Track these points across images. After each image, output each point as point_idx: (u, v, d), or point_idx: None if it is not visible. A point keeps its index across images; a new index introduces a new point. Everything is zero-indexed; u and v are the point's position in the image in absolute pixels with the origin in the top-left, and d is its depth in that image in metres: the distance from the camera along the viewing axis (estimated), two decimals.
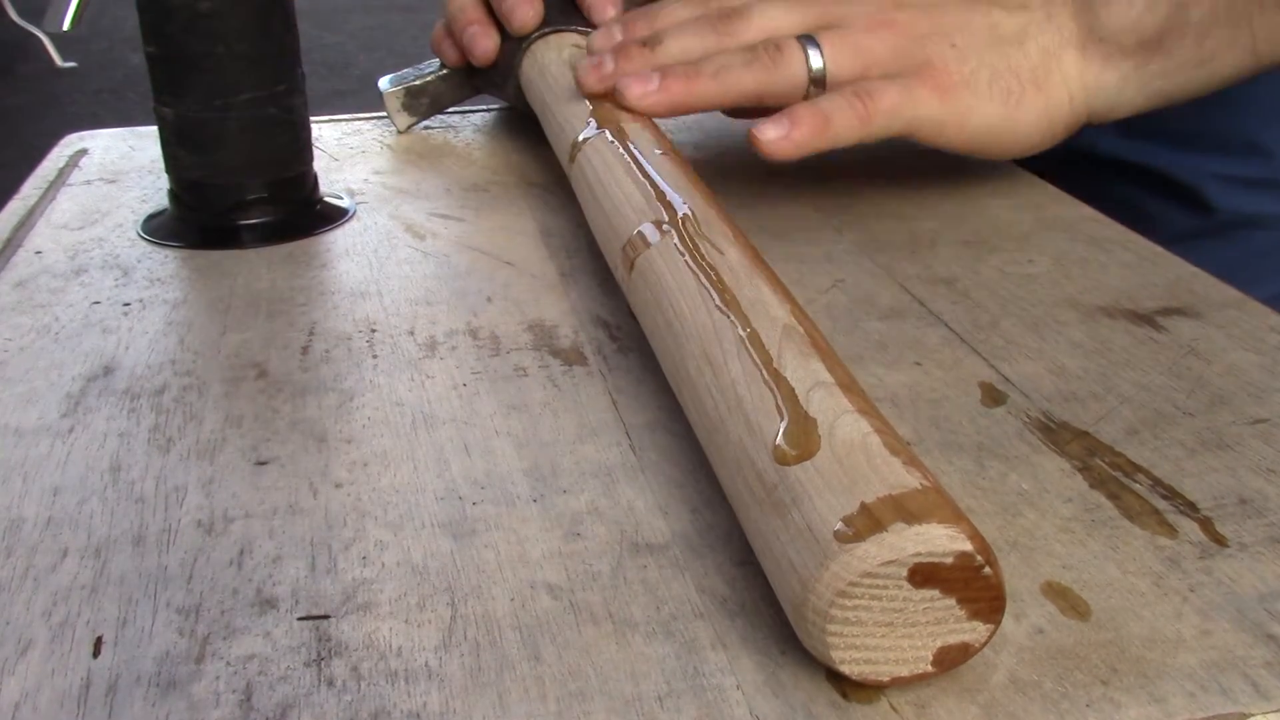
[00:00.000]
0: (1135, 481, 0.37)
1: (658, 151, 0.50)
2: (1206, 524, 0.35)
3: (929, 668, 0.28)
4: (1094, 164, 0.75)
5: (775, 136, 0.51)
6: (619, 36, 0.58)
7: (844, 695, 0.29)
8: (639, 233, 0.44)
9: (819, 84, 0.53)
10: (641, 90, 0.53)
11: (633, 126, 0.53)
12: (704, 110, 0.55)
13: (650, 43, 0.56)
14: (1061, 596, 0.32)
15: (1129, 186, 0.74)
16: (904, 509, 0.27)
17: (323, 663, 0.30)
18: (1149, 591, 0.32)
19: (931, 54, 0.54)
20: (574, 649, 0.30)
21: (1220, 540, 0.34)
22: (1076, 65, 0.56)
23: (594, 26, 0.66)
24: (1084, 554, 0.33)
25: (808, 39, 0.54)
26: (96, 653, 0.30)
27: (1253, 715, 0.28)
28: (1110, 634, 0.30)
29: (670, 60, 0.55)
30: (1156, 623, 0.31)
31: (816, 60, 0.54)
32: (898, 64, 0.54)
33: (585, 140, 0.54)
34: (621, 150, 0.51)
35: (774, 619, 0.31)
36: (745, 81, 0.53)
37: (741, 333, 0.36)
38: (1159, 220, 0.73)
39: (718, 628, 0.31)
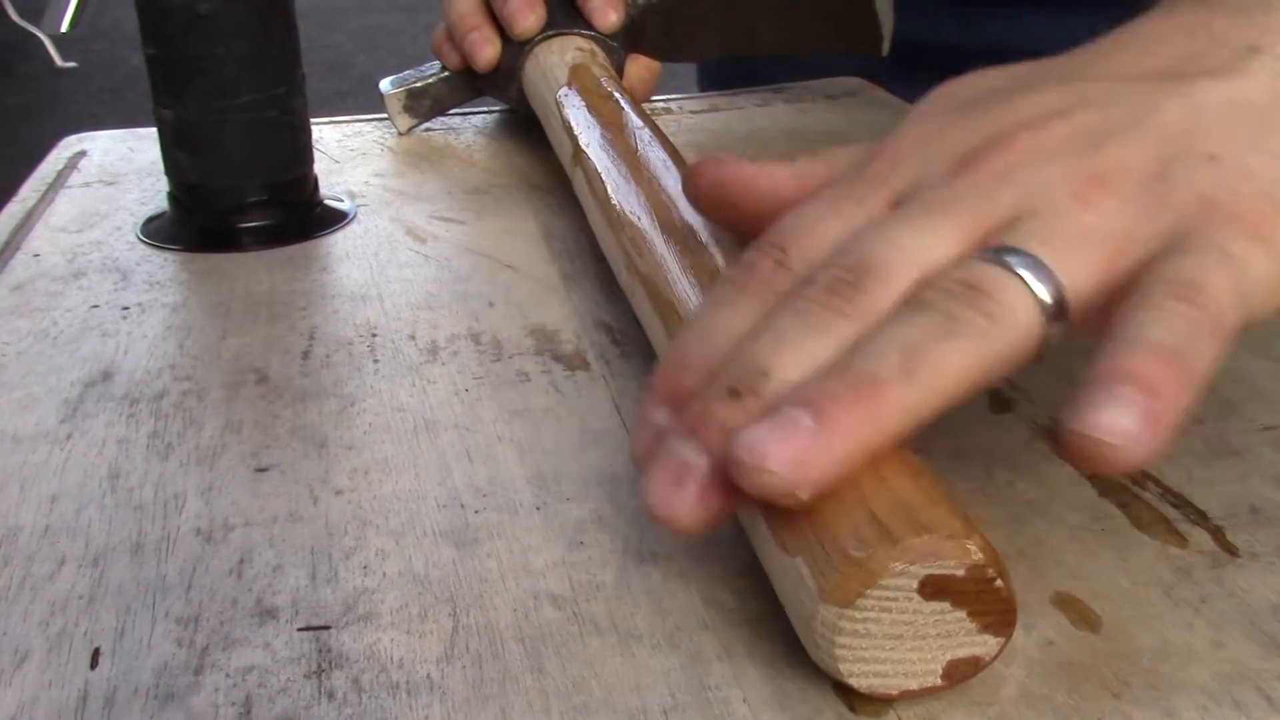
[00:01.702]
0: (1145, 490, 0.36)
1: (662, 154, 0.50)
2: (1217, 533, 0.34)
3: (939, 681, 0.28)
4: None
5: (1132, 427, 0.27)
6: (661, 421, 0.32)
7: (851, 708, 0.28)
8: (643, 236, 0.44)
9: (1059, 319, 0.30)
10: (792, 454, 0.28)
11: (636, 128, 0.53)
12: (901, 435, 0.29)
13: (746, 386, 0.30)
14: (1071, 607, 0.31)
15: None
16: (915, 521, 0.27)
17: (323, 674, 0.29)
18: (1160, 602, 0.32)
19: (1201, 184, 0.31)
20: (578, 661, 0.30)
21: (1231, 550, 0.34)
22: None
23: (597, 29, 0.66)
24: (1094, 564, 0.33)
25: (1004, 255, 0.30)
26: (94, 664, 0.30)
27: None
28: (1121, 645, 0.30)
29: (801, 388, 0.29)
30: (1168, 634, 0.30)
31: (1042, 284, 0.30)
32: (1163, 224, 0.31)
33: (588, 144, 0.53)
34: (624, 153, 0.51)
35: (780, 630, 0.31)
36: (956, 364, 0.29)
37: None
38: None
39: (723, 639, 0.30)
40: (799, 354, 0.30)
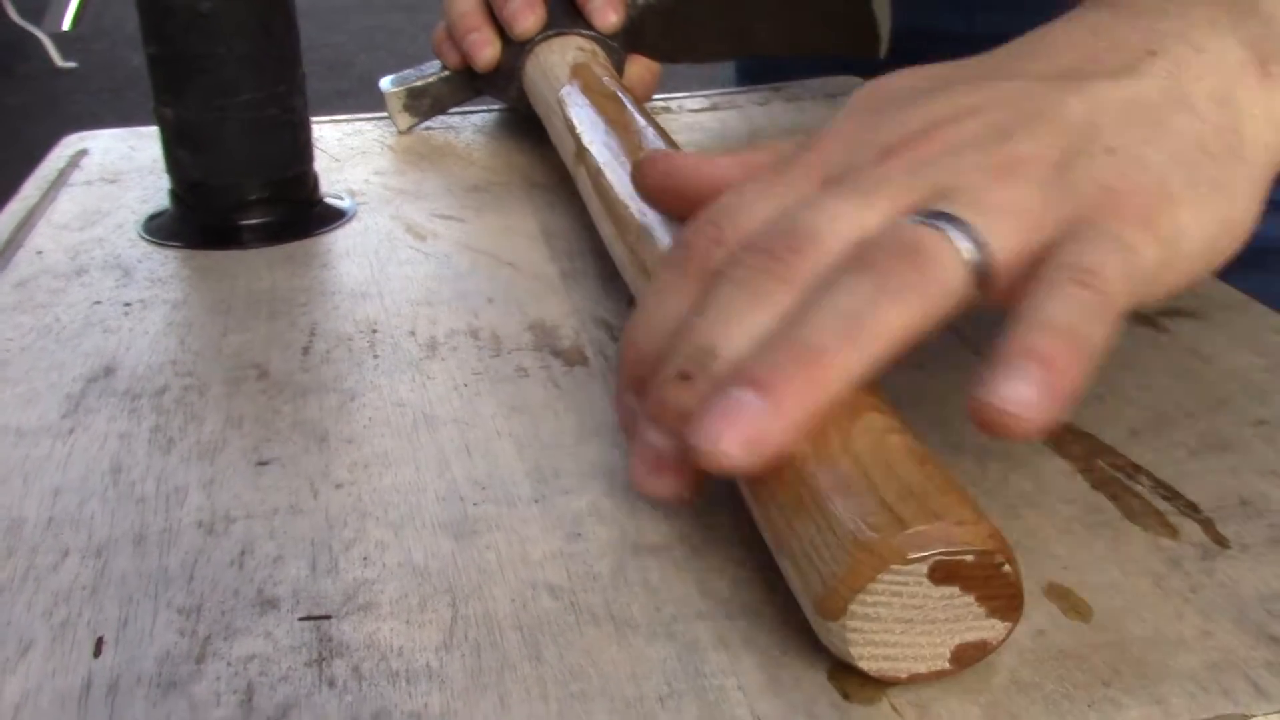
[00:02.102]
0: (1137, 483, 0.37)
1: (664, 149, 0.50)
2: (1208, 525, 0.35)
3: (947, 665, 0.28)
4: None
5: (1031, 397, 0.29)
6: (633, 405, 0.35)
7: (845, 696, 0.29)
8: (648, 233, 0.44)
9: (983, 281, 0.33)
10: (739, 429, 0.30)
11: (639, 127, 0.53)
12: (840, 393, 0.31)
13: (695, 367, 0.32)
14: (1063, 598, 0.32)
15: None
16: (926, 507, 0.28)
17: (324, 663, 0.30)
18: (1150, 592, 0.32)
19: (1100, 174, 0.34)
20: (575, 650, 0.30)
21: (1222, 541, 0.34)
22: (1260, 98, 0.37)
23: (597, 29, 0.66)
24: (1085, 555, 0.33)
25: (934, 218, 0.33)
26: (97, 653, 0.30)
27: (1254, 716, 0.28)
28: (1111, 635, 0.30)
29: (747, 364, 0.31)
30: (1158, 624, 0.31)
31: (966, 244, 0.32)
32: (1066, 210, 0.34)
33: (591, 142, 0.54)
34: (628, 151, 0.51)
35: (775, 620, 0.31)
36: (892, 323, 0.31)
37: None
38: None
39: (719, 628, 0.31)
40: (743, 327, 0.32)
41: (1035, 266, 0.32)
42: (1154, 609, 0.31)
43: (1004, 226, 0.33)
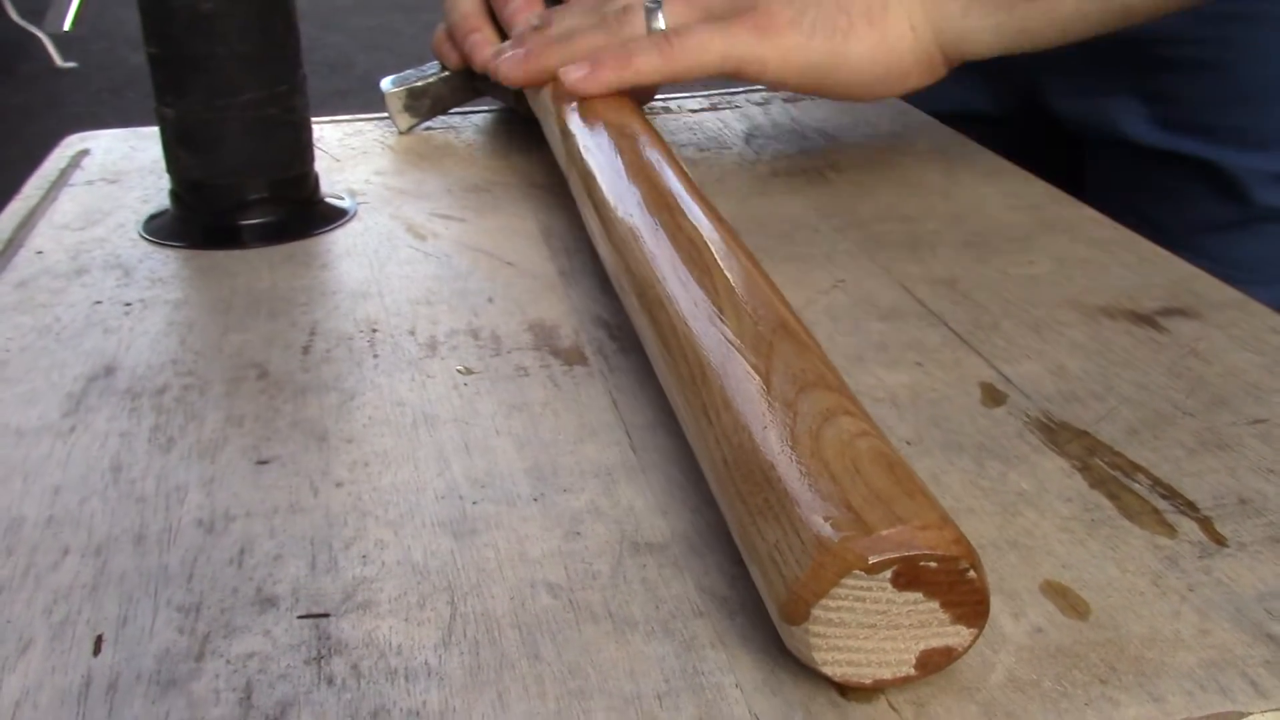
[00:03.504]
0: (1135, 481, 0.37)
1: (657, 155, 0.50)
2: (1206, 524, 0.35)
3: (912, 670, 0.28)
4: (1133, 151, 0.74)
5: (580, 76, 0.57)
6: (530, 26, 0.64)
7: (843, 694, 0.29)
8: (635, 235, 0.44)
9: (662, 37, 0.58)
10: (504, 58, 0.62)
11: (632, 130, 0.54)
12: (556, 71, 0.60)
13: (540, 28, 0.63)
14: (1061, 596, 0.32)
15: (1166, 174, 0.74)
16: (890, 512, 0.27)
17: (323, 661, 0.30)
18: (1148, 591, 0.32)
19: (759, 1, 0.58)
20: (573, 647, 0.30)
21: (1219, 540, 0.34)
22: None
23: None
24: (1083, 553, 0.33)
25: (654, 2, 0.59)
26: (97, 651, 0.30)
27: (1251, 714, 0.28)
28: (1109, 633, 0.30)
29: (550, 38, 0.61)
30: (1155, 622, 0.31)
31: (656, 18, 0.59)
32: (725, 12, 0.58)
33: (584, 144, 0.54)
34: (619, 153, 0.51)
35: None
36: (591, 43, 0.59)
37: (731, 332, 0.36)
38: (1193, 209, 0.73)
39: (717, 627, 0.31)
40: (566, 22, 0.62)
41: None
42: (1152, 607, 0.31)
43: (683, 12, 0.59)
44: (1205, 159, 0.72)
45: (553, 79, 0.60)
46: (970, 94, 0.80)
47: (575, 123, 0.56)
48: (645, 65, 0.57)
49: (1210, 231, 0.71)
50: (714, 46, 0.56)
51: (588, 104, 0.58)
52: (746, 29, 0.56)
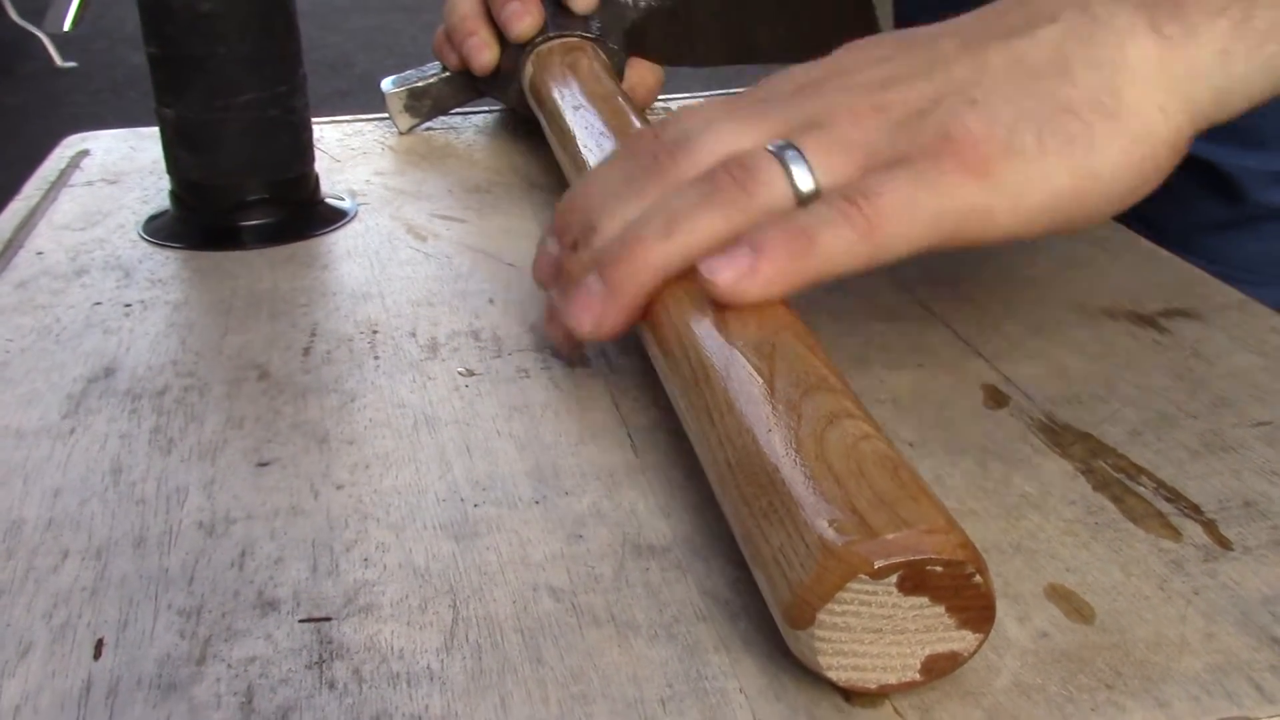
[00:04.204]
0: (1139, 484, 0.37)
1: None
2: (1210, 527, 0.35)
3: (917, 676, 0.28)
4: None
5: (734, 276, 0.36)
6: (555, 251, 0.43)
7: (847, 699, 0.29)
8: None
9: (806, 202, 0.38)
10: (588, 312, 0.39)
11: (634, 128, 0.53)
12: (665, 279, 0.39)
13: (584, 238, 0.41)
14: (1065, 600, 0.32)
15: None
16: (895, 515, 0.27)
17: (324, 665, 0.30)
18: (1153, 595, 0.32)
19: (947, 122, 0.38)
20: (576, 652, 0.30)
21: (1224, 543, 0.34)
22: (1153, 59, 0.38)
23: (593, 35, 0.66)
24: (1088, 557, 0.33)
25: (783, 147, 0.39)
26: (97, 655, 0.30)
27: (1257, 719, 0.28)
28: (1114, 637, 0.30)
29: (612, 242, 0.40)
30: (1160, 626, 0.31)
31: (802, 172, 0.38)
32: (905, 148, 0.38)
33: (585, 145, 0.54)
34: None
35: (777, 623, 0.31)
36: (709, 224, 0.38)
37: (734, 333, 0.35)
38: (1192, 209, 0.72)
39: (720, 631, 0.31)
40: (615, 215, 0.40)
41: None
42: (1157, 611, 0.31)
43: (838, 160, 0.38)
44: (1203, 159, 0.72)
45: (658, 295, 0.39)
46: None
47: (577, 124, 0.56)
48: (836, 247, 0.37)
49: (1210, 231, 0.71)
50: (923, 205, 0.37)
51: (590, 105, 0.57)
52: (954, 171, 0.37)
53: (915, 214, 0.37)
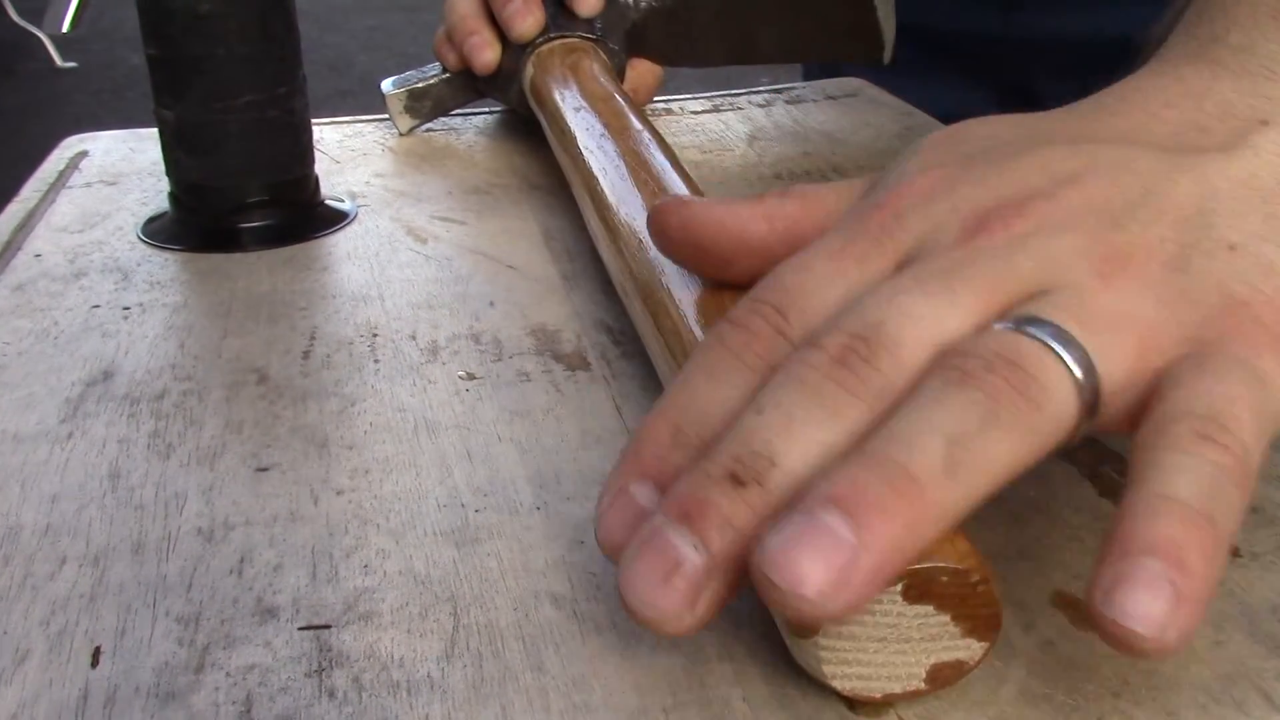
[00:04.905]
0: None
1: (660, 157, 0.50)
2: None
3: (922, 685, 0.28)
4: None
5: (1160, 613, 0.24)
6: (646, 501, 0.29)
7: (851, 708, 0.28)
8: (637, 239, 0.44)
9: (1093, 408, 0.28)
10: (831, 575, 0.24)
11: (634, 130, 0.53)
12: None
13: (750, 474, 0.27)
14: (1072, 607, 0.31)
15: None
16: None
17: (324, 673, 0.30)
18: None
19: (1222, 279, 0.29)
20: (578, 660, 0.30)
21: (1232, 550, 0.34)
22: None
23: (594, 35, 0.66)
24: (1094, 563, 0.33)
25: (1034, 326, 0.28)
26: (95, 663, 0.30)
27: None
28: None
29: (829, 482, 0.26)
30: None
31: (1077, 364, 0.27)
32: (1189, 325, 0.29)
33: (586, 146, 0.53)
34: (622, 155, 0.51)
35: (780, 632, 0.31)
36: (1007, 455, 0.26)
37: None
38: None
39: (724, 639, 0.31)
40: (807, 439, 0.27)
41: (1150, 397, 0.28)
42: None
43: (1117, 346, 0.28)
44: None
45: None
46: (972, 98, 0.80)
47: (577, 125, 0.56)
48: (1230, 518, 0.26)
49: None
50: (1270, 413, 0.28)
51: (591, 105, 0.57)
52: (1270, 349, 0.29)
53: (1264, 427, 0.27)
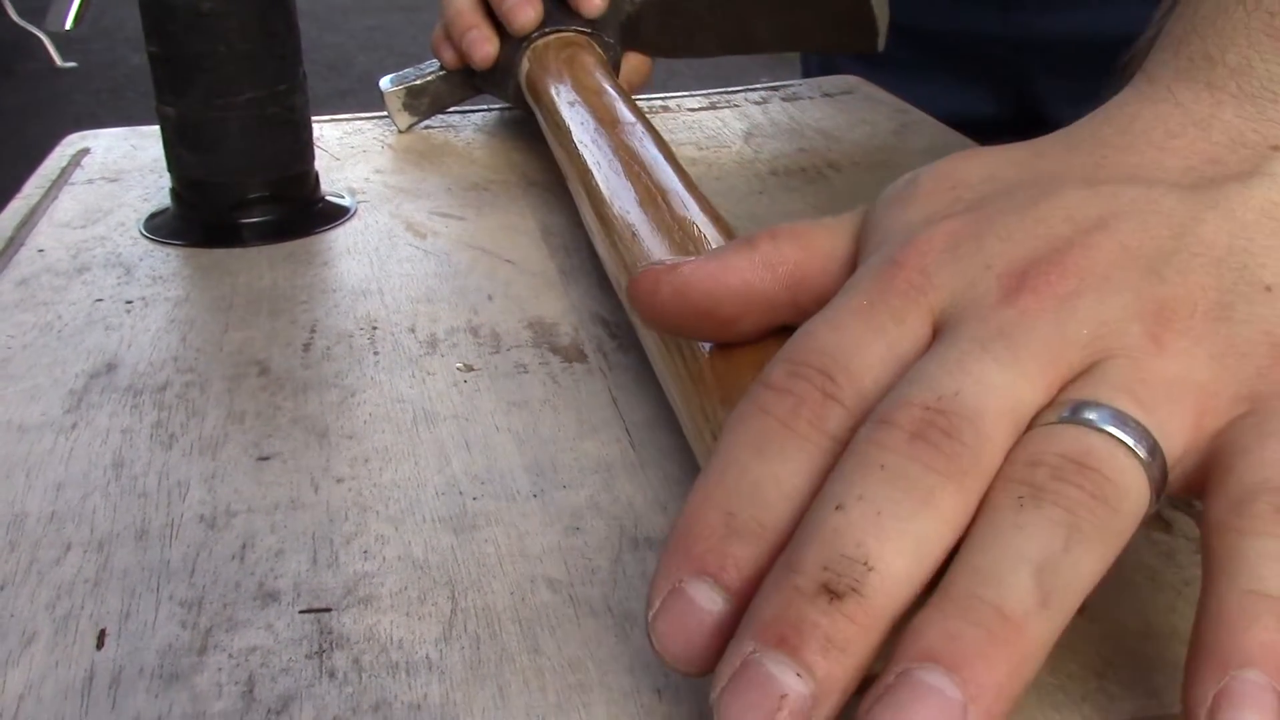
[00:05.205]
0: None
1: (655, 152, 0.51)
2: (1201, 519, 0.35)
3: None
4: None
5: None
6: (717, 608, 0.26)
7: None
8: (633, 233, 0.44)
9: (1160, 489, 0.27)
10: None
11: (629, 125, 0.54)
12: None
13: (845, 584, 0.25)
14: None
15: None
16: None
17: (324, 655, 0.30)
18: (1144, 586, 0.32)
19: (1263, 323, 0.28)
20: (574, 642, 0.30)
21: None
22: None
23: (582, 15, 0.66)
24: None
25: (1096, 414, 0.27)
26: (100, 645, 0.31)
27: None
28: (1105, 627, 0.31)
29: (924, 635, 0.24)
30: (1151, 616, 0.31)
31: (1144, 450, 0.26)
32: (1241, 383, 0.28)
33: (581, 140, 0.54)
34: (617, 150, 0.51)
35: None
36: (1088, 573, 0.25)
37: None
38: None
39: None
40: (901, 534, 0.25)
41: (1210, 463, 0.27)
42: (1148, 602, 0.32)
43: (1177, 418, 0.27)
44: None
45: None
46: (969, 97, 0.80)
47: (572, 119, 0.57)
48: None
49: None
50: None
51: (586, 100, 0.58)
52: None
53: None
